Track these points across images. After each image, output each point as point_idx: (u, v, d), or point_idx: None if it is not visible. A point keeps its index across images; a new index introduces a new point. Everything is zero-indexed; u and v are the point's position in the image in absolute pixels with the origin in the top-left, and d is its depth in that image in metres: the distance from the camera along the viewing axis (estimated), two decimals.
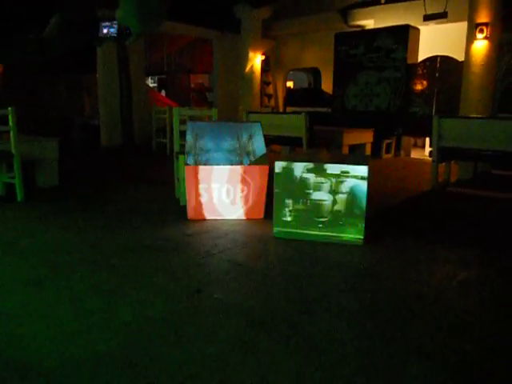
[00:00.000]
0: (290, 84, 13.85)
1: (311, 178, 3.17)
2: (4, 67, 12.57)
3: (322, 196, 3.17)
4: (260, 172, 3.74)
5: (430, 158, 5.51)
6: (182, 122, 4.48)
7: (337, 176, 3.14)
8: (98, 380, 1.66)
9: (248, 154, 3.81)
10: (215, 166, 3.71)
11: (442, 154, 5.29)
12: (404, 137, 9.07)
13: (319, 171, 3.16)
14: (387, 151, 8.76)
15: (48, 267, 2.82)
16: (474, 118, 5.41)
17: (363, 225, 3.18)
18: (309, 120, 6.46)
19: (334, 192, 3.16)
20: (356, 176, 3.10)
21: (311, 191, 3.20)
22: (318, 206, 3.20)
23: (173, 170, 4.80)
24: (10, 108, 4.39)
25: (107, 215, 4.18)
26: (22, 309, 2.25)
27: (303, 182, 3.19)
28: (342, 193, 3.15)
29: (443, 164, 5.59)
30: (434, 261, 3.00)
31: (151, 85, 17.12)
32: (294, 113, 7.50)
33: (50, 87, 11.65)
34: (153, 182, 5.85)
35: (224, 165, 3.71)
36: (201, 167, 3.68)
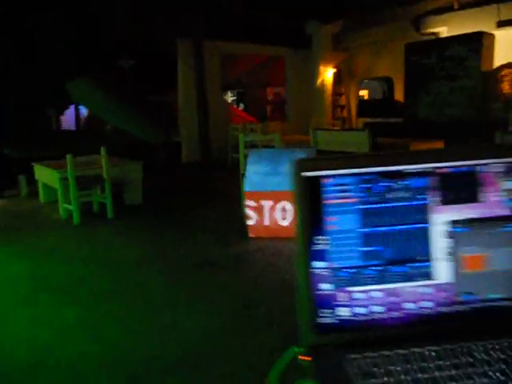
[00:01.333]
0: (364, 93, 13.86)
1: None
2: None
3: None
4: None
5: None
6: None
7: None
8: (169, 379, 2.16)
9: None
10: (273, 191, 4.13)
11: None
12: None
13: None
14: None
15: (126, 281, 3.43)
16: None
17: None
18: (372, 136, 6.63)
19: None
20: None
21: None
22: None
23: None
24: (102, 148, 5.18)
25: (181, 232, 4.77)
26: (102, 318, 2.84)
27: None
28: None
29: None
30: None
31: (230, 98, 17.98)
32: (357, 129, 7.68)
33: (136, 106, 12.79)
34: (225, 197, 6.40)
35: (279, 189, 4.11)
36: (259, 192, 4.13)
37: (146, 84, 12.30)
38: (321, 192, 0.65)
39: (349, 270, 0.65)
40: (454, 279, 0.66)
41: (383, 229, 0.65)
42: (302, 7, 10.02)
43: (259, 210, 4.18)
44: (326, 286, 0.65)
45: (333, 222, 0.65)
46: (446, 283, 0.66)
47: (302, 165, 0.64)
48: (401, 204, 0.66)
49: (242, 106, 17.11)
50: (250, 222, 4.26)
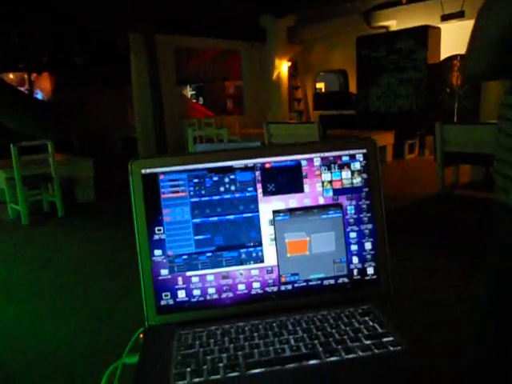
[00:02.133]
0: (321, 85, 14.09)
1: None
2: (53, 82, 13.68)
3: None
4: None
5: (434, 161, 5.70)
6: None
7: None
8: None
9: None
10: None
11: (447, 158, 5.48)
12: (428, 136, 9.13)
13: None
14: (410, 151, 8.89)
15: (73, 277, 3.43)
16: (473, 124, 5.55)
17: None
18: (322, 128, 6.78)
19: None
20: None
21: None
22: None
23: None
24: (48, 143, 5.09)
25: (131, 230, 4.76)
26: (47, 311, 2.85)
27: None
28: None
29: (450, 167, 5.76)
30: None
31: (190, 93, 17.87)
32: (307, 122, 7.83)
33: (93, 100, 12.54)
34: None
35: None
36: None
37: (99, 80, 12.06)
38: (157, 187, 0.71)
39: (184, 257, 0.72)
40: (279, 262, 0.74)
41: (214, 219, 0.73)
42: (256, 1, 10.09)
43: None
44: (164, 272, 0.72)
45: (168, 214, 0.72)
46: (273, 266, 0.74)
47: (140, 163, 0.71)
48: (231, 196, 0.73)
49: (201, 100, 17.05)
50: None
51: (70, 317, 2.77)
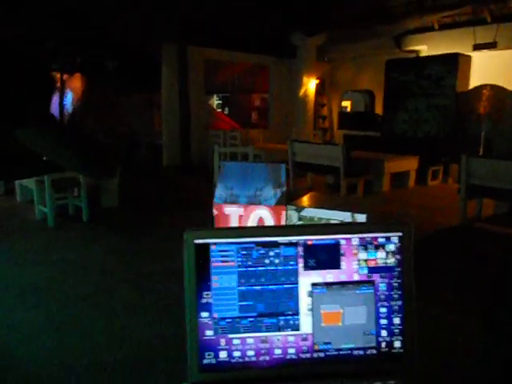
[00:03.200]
0: (347, 104, 14.12)
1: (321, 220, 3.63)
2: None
3: None
4: (279, 212, 4.25)
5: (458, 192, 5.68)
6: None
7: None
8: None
9: (274, 193, 4.33)
10: (240, 206, 4.27)
11: (471, 190, 5.46)
12: (452, 164, 9.06)
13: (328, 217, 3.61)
14: (434, 178, 8.84)
15: (93, 286, 3.54)
16: (499, 158, 5.52)
17: None
18: (347, 150, 6.82)
19: None
20: None
21: None
22: None
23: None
24: None
25: (154, 239, 4.88)
26: (70, 321, 2.95)
27: None
28: None
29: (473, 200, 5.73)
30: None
31: (216, 102, 18.09)
32: (331, 144, 7.88)
33: (122, 104, 12.82)
34: (199, 206, 6.51)
35: (248, 204, 4.26)
36: (226, 206, 4.27)
37: (129, 84, 12.32)
38: (208, 256, 0.79)
39: (228, 320, 0.79)
40: (314, 331, 0.81)
41: (257, 288, 0.80)
42: (288, 19, 10.21)
43: (229, 224, 4.32)
44: (209, 333, 0.79)
45: (216, 281, 0.79)
46: (308, 334, 0.80)
47: (194, 234, 0.79)
48: (274, 268, 0.80)
49: (226, 110, 17.23)
50: None
51: (90, 330, 2.87)
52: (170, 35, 9.08)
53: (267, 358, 0.80)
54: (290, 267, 0.81)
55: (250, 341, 0.79)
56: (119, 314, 3.04)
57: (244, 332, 0.80)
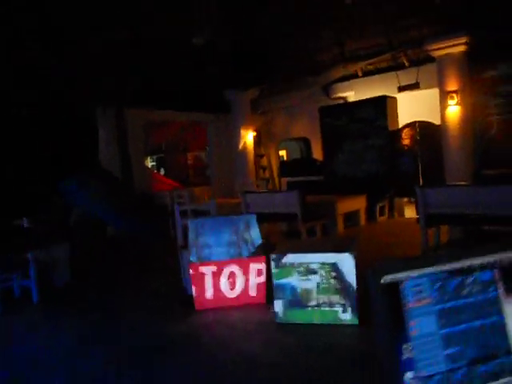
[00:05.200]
0: (283, 153, 14.47)
1: (302, 266, 3.49)
2: None
3: (313, 283, 3.47)
4: (258, 263, 4.06)
5: (417, 222, 5.83)
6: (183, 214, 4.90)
7: (327, 264, 3.45)
8: None
9: (246, 244, 4.15)
10: (216, 261, 4.03)
11: (429, 219, 5.62)
12: (396, 198, 9.44)
13: (309, 261, 3.48)
14: (381, 214, 9.11)
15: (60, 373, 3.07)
16: (452, 185, 5.80)
17: (355, 306, 3.45)
18: (302, 196, 6.85)
19: (326, 278, 3.46)
20: (343, 264, 3.43)
21: (304, 278, 3.50)
22: (308, 293, 3.50)
23: (178, 259, 5.12)
24: (24, 218, 4.79)
25: (119, 312, 4.43)
26: None
27: (295, 271, 3.51)
28: (333, 278, 3.45)
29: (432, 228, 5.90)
30: None
31: (150, 163, 17.81)
32: (286, 191, 7.92)
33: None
34: (160, 271, 6.12)
35: (225, 258, 4.03)
36: (204, 263, 4.01)
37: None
38: (400, 296, 0.62)
39: (437, 377, 0.62)
40: None
41: (461, 327, 0.64)
42: (222, 77, 10.47)
43: (204, 281, 4.04)
44: None
45: (414, 327, 0.62)
46: None
47: (379, 270, 0.62)
48: (473, 299, 0.65)
49: (162, 170, 16.99)
50: (195, 295, 4.09)
51: None
52: (106, 98, 8.87)
53: None
54: (491, 294, 0.66)
55: None
56: None
57: None
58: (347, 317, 3.47)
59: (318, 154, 11.52)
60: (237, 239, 4.15)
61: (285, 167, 12.25)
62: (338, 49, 9.95)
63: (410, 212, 9.73)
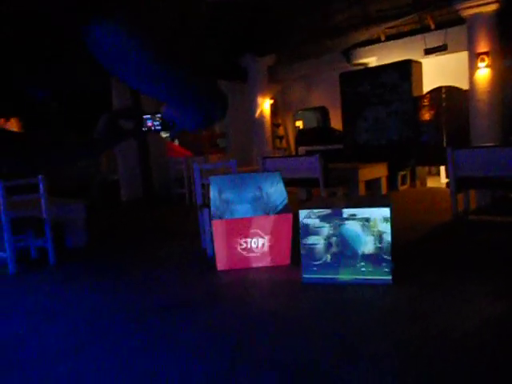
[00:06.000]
0: (299, 123, 14.15)
1: (333, 222, 3.27)
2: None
3: (348, 240, 3.26)
4: (284, 221, 3.85)
5: (446, 187, 5.57)
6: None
7: (361, 220, 3.23)
8: None
9: (271, 203, 3.94)
10: (240, 218, 3.83)
11: (459, 183, 5.36)
12: (418, 167, 9.13)
13: (342, 218, 3.26)
14: (403, 183, 8.83)
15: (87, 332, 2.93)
16: (485, 146, 5.50)
17: (390, 265, 3.24)
18: (324, 160, 6.60)
19: (359, 235, 3.24)
20: (379, 219, 3.20)
21: (336, 234, 3.29)
22: (345, 248, 3.29)
23: (197, 221, 4.95)
24: (40, 176, 4.62)
25: (137, 272, 4.29)
26: (68, 378, 2.34)
27: (326, 227, 3.29)
28: (368, 235, 3.23)
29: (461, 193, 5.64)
30: (469, 296, 3.02)
31: (164, 135, 17.59)
32: (308, 155, 7.66)
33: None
34: (178, 234, 5.98)
35: (249, 215, 3.83)
36: (227, 220, 3.82)
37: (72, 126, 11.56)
38: None
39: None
40: None
41: None
42: (237, 41, 10.10)
43: (227, 239, 3.85)
44: None
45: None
46: None
47: None
48: None
49: (176, 142, 16.77)
50: (216, 254, 3.91)
51: None
52: None
53: None
54: None
55: None
56: (126, 360, 2.47)
57: None
58: (381, 275, 3.26)
59: (336, 123, 11.20)
60: (261, 195, 3.94)
61: (302, 136, 11.95)
62: (358, 9, 9.50)
63: (432, 182, 9.44)
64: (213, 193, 3.96)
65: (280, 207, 3.92)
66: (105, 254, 5.19)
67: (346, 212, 3.27)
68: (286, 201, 3.98)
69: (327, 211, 3.30)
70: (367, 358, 2.25)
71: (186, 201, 8.86)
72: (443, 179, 9.61)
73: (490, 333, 2.45)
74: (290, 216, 3.85)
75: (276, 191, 4.01)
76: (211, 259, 4.23)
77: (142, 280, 4.01)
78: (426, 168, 9.76)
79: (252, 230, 3.87)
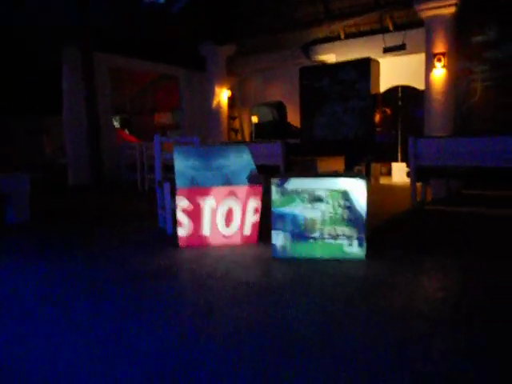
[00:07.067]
0: (255, 119, 14.04)
1: (308, 193, 3.15)
2: None
3: (318, 213, 3.15)
4: (253, 192, 3.67)
5: (397, 183, 5.66)
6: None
7: (336, 191, 3.13)
8: None
9: (238, 174, 3.76)
10: (207, 188, 3.61)
11: (419, 172, 5.44)
12: (372, 163, 9.28)
13: (316, 187, 3.14)
14: None
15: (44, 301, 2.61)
16: (443, 136, 5.64)
17: (364, 238, 3.16)
18: (286, 147, 6.51)
19: (333, 207, 3.14)
20: (354, 192, 3.11)
21: (309, 206, 3.16)
22: (312, 223, 3.17)
23: (152, 206, 4.71)
24: None
25: (92, 248, 3.96)
26: (23, 342, 2.04)
27: (299, 198, 3.16)
28: (342, 207, 3.14)
29: (419, 185, 5.74)
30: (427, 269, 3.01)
31: (115, 123, 16.89)
32: (270, 142, 7.55)
33: (7, 130, 11.39)
34: (132, 216, 5.65)
35: (215, 186, 3.62)
36: (192, 189, 3.59)
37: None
38: None
39: None
40: None
41: None
42: (196, 28, 9.88)
43: (192, 212, 3.61)
44: None
45: None
46: None
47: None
48: None
49: (126, 131, 16.13)
50: (181, 230, 3.66)
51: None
52: (73, 37, 8.10)
53: None
54: None
55: None
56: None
57: None
58: (353, 250, 3.18)
59: (292, 119, 11.18)
60: (228, 165, 3.75)
61: (259, 130, 11.85)
62: (320, 5, 9.57)
63: (384, 181, 9.63)
64: (178, 163, 3.72)
65: (249, 178, 3.75)
66: (54, 231, 4.77)
67: (320, 183, 3.16)
68: (255, 171, 3.82)
69: (301, 180, 3.17)
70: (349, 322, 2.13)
71: (138, 187, 8.47)
72: (394, 178, 9.86)
73: (446, 298, 2.42)
74: (260, 187, 3.68)
75: (244, 162, 3.84)
76: (171, 237, 3.99)
77: (97, 254, 3.69)
78: (378, 167, 9.92)
79: (219, 201, 3.64)
